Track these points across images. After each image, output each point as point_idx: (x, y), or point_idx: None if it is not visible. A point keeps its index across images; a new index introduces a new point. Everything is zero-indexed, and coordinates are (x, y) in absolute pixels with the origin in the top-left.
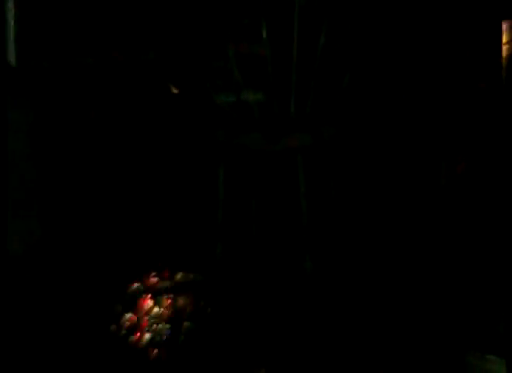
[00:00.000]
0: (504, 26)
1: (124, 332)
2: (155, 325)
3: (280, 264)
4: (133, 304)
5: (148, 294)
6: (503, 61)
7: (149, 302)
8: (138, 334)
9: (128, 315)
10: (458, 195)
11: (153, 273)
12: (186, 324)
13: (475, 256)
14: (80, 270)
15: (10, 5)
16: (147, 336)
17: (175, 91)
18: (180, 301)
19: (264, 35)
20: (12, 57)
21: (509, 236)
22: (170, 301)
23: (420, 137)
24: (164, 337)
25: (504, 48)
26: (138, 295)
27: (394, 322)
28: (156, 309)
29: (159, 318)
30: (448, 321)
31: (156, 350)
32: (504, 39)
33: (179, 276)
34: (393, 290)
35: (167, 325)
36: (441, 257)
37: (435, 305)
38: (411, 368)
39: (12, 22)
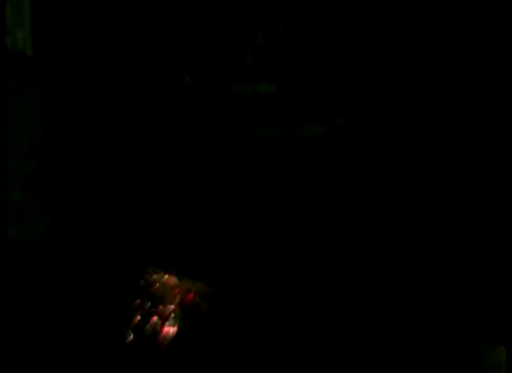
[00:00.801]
0: None
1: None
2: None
3: (297, 254)
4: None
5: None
6: None
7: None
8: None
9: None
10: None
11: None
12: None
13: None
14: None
15: None
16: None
17: (188, 80)
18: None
19: (281, 29)
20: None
21: None
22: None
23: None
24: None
25: None
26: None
27: (411, 312)
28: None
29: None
30: (461, 313)
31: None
32: None
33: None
34: (410, 282)
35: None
36: (456, 249)
37: (449, 296)
38: (428, 356)
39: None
